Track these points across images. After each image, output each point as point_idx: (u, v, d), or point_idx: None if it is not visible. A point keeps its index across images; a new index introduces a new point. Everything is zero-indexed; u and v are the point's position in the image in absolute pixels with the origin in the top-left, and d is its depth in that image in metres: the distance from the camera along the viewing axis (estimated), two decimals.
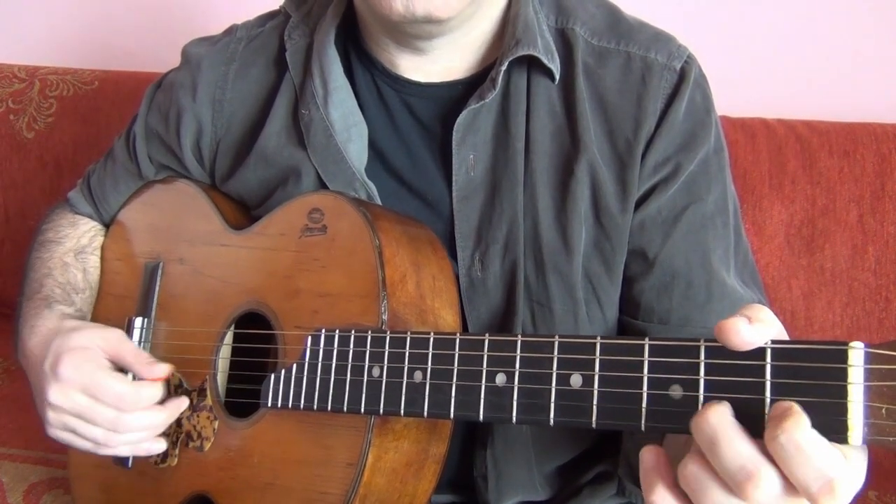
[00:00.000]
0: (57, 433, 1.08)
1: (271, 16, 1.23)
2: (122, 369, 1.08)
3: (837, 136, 1.65)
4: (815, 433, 0.59)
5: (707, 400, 0.65)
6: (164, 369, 1.08)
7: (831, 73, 1.86)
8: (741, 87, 1.75)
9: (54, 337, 1.08)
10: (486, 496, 1.08)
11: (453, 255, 1.05)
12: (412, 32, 1.02)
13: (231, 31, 1.23)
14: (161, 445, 1.09)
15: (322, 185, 1.09)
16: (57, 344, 1.06)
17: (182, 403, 1.09)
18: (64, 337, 1.07)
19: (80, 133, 1.97)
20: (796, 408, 0.60)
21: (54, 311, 1.16)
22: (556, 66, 1.04)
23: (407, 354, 0.85)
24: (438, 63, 1.08)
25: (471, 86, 1.07)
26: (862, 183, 1.61)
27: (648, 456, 0.67)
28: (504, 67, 1.02)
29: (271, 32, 1.19)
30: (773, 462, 0.60)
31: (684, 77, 1.04)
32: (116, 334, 1.10)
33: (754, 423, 0.62)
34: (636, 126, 1.03)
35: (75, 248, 1.28)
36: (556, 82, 1.05)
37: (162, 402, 1.08)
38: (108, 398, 1.03)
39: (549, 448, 1.11)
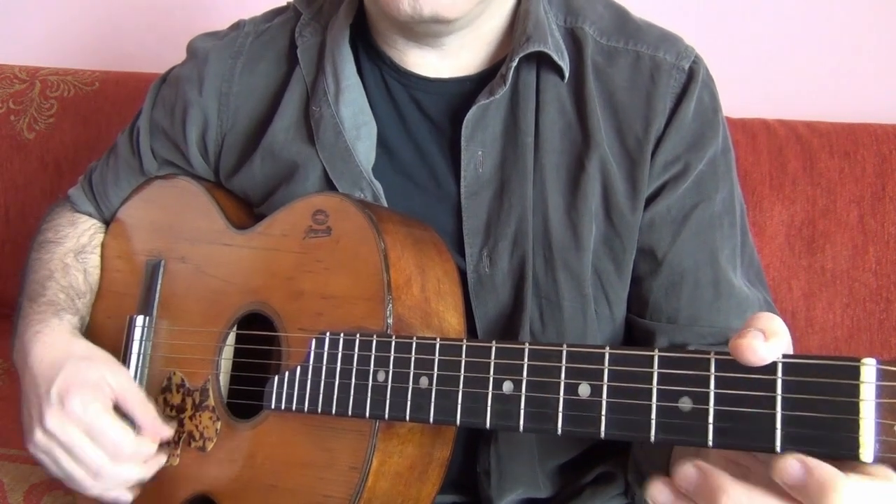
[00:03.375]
0: (36, 453, 1.08)
1: (279, 11, 1.23)
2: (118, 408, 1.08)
3: (838, 137, 1.65)
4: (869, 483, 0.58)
5: (717, 413, 0.65)
6: (168, 431, 1.09)
7: (831, 74, 1.86)
8: (742, 88, 1.75)
9: (64, 362, 1.07)
10: (489, 492, 1.08)
11: (461, 251, 1.06)
12: (420, 31, 1.03)
13: (238, 25, 1.23)
14: (128, 498, 1.09)
15: (327, 183, 1.09)
16: (67, 373, 1.06)
17: (161, 461, 1.09)
18: (75, 365, 1.07)
19: (81, 134, 1.96)
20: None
21: (63, 322, 1.16)
22: (565, 64, 1.05)
23: (413, 360, 0.85)
24: (448, 59, 1.09)
25: (480, 82, 1.08)
26: (862, 183, 1.61)
27: (660, 493, 0.67)
28: (514, 63, 1.03)
29: (280, 28, 1.19)
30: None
31: (693, 76, 1.05)
32: (125, 376, 1.10)
33: (764, 437, 0.62)
34: (646, 124, 1.04)
35: (75, 248, 1.27)
36: (566, 80, 1.05)
37: None
38: (107, 445, 1.03)
39: (552, 445, 1.11)
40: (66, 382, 1.05)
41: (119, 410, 1.07)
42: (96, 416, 1.03)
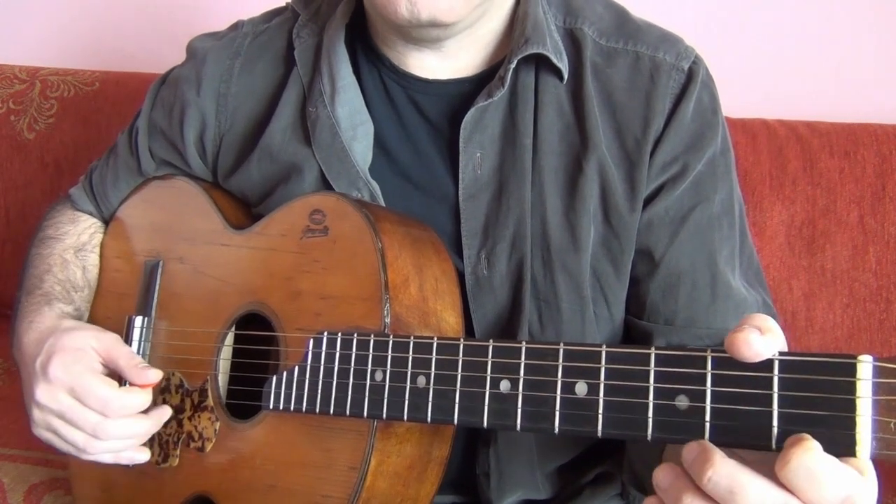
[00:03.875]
0: (41, 433, 1.08)
1: (277, 12, 1.23)
2: (115, 374, 1.07)
3: (838, 137, 1.64)
4: (824, 456, 0.59)
5: (714, 411, 0.65)
6: (156, 375, 1.07)
7: (831, 74, 1.86)
8: (742, 88, 1.75)
9: (49, 335, 1.08)
10: (488, 494, 1.08)
11: (459, 253, 1.05)
12: (418, 36, 1.03)
13: (237, 26, 1.23)
14: (144, 455, 1.08)
15: (324, 184, 1.09)
16: (50, 343, 1.06)
17: (165, 413, 1.09)
18: (58, 336, 1.07)
19: (81, 134, 1.97)
20: (804, 435, 0.61)
21: (54, 309, 1.16)
22: (564, 66, 1.04)
23: (410, 359, 0.85)
24: (446, 61, 1.08)
25: (478, 83, 1.07)
26: (862, 183, 1.61)
27: (663, 476, 0.67)
28: (513, 66, 1.02)
29: (278, 29, 1.19)
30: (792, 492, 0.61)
31: (692, 77, 1.05)
32: (111, 337, 1.10)
33: (761, 435, 0.62)
34: (645, 125, 1.03)
35: (75, 245, 1.27)
36: (565, 81, 1.05)
37: (146, 410, 1.07)
38: (93, 402, 1.02)
39: (551, 447, 1.11)
40: (48, 353, 1.05)
41: (113, 376, 1.07)
42: (79, 376, 1.03)
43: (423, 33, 1.01)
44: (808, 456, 0.59)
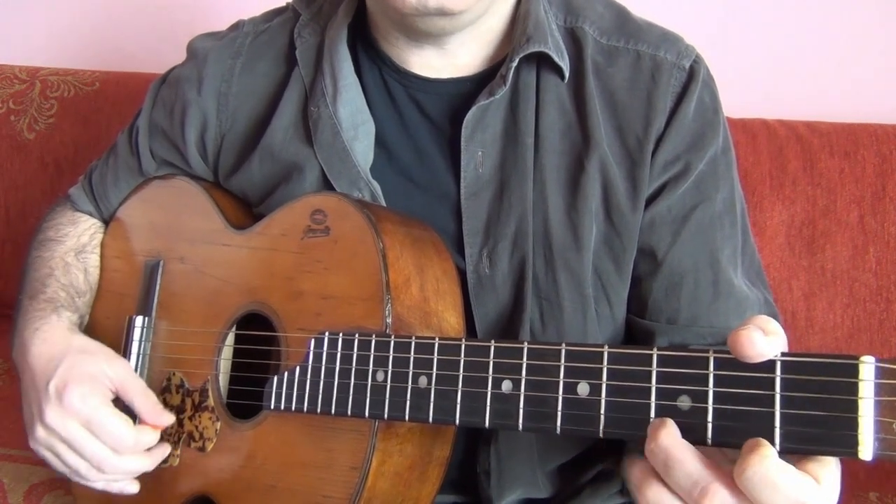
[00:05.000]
0: (39, 449, 1.08)
1: (278, 12, 1.23)
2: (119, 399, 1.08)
3: (838, 137, 1.65)
4: (780, 463, 0.61)
5: (716, 412, 0.65)
6: (169, 419, 1.08)
7: (831, 74, 1.87)
8: (742, 88, 1.75)
9: (63, 356, 1.07)
10: (489, 492, 1.08)
11: (461, 251, 1.05)
12: (423, 28, 1.02)
13: (237, 26, 1.23)
14: (134, 488, 1.09)
15: (325, 183, 1.09)
16: (66, 367, 1.06)
17: (165, 452, 1.09)
18: (73, 359, 1.07)
19: (81, 134, 1.97)
20: (762, 441, 0.62)
21: (62, 319, 1.15)
22: (565, 65, 1.05)
23: (412, 359, 0.85)
24: (447, 59, 1.09)
25: (480, 82, 1.07)
26: (863, 184, 1.61)
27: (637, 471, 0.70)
28: (514, 64, 1.03)
29: (279, 28, 1.19)
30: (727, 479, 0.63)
31: (693, 76, 1.05)
32: (123, 366, 1.10)
33: (763, 436, 0.62)
34: (646, 123, 1.03)
35: (76, 247, 1.27)
36: (566, 80, 1.05)
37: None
38: (107, 438, 1.03)
39: (552, 446, 1.11)
40: (63, 377, 1.05)
41: (120, 403, 1.07)
42: (95, 409, 1.03)
43: (430, 24, 1.01)
44: (764, 463, 0.61)
